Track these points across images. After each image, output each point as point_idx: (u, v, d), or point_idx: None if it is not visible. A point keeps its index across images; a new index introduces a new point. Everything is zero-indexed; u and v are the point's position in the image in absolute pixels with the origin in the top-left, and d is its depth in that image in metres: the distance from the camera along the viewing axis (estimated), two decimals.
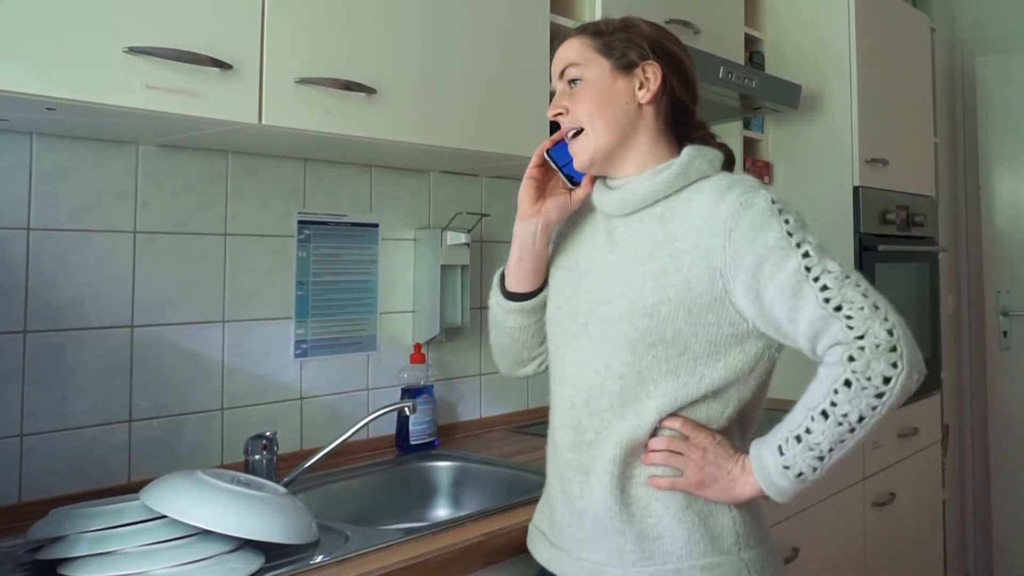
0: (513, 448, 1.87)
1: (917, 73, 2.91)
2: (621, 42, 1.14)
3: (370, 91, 1.43)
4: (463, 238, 1.92)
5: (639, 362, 1.05)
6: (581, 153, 1.14)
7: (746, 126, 2.57)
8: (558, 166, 1.19)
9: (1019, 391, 3.41)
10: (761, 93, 2.16)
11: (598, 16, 1.91)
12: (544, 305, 1.23)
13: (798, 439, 1.00)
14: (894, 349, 0.96)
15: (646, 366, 1.05)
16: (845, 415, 0.97)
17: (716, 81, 1.99)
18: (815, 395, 1.00)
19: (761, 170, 2.58)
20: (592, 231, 1.20)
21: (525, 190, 1.20)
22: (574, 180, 1.19)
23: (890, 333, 0.97)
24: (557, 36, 1.84)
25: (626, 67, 1.13)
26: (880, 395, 0.96)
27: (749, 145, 2.60)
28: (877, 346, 0.96)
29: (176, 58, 1.18)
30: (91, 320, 1.42)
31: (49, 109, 1.16)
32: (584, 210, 1.22)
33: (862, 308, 0.97)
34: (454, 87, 1.60)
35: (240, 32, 1.27)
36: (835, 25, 2.53)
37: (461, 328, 1.98)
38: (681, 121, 1.17)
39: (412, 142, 1.54)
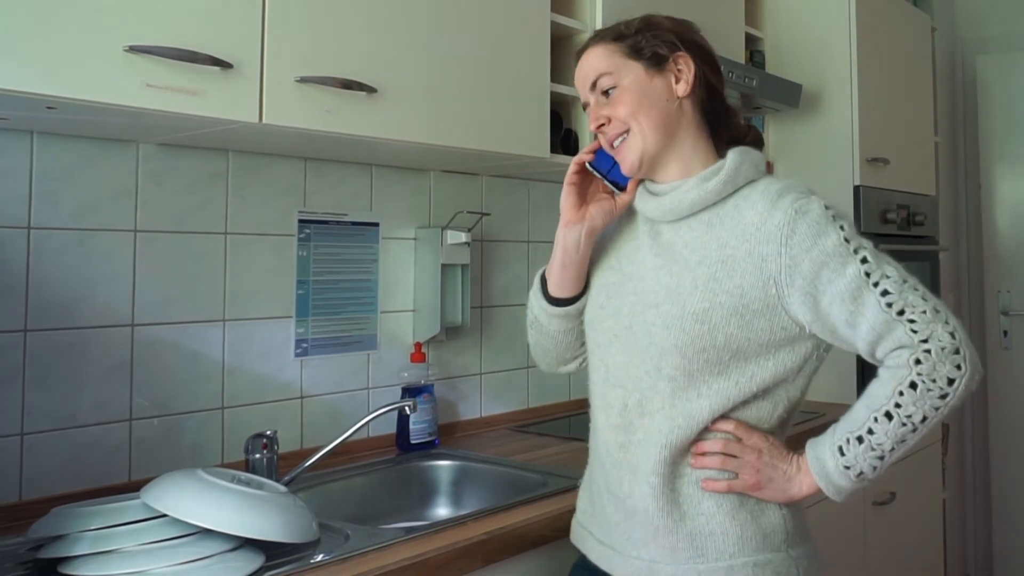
0: (514, 447, 1.87)
1: (918, 72, 2.91)
2: (647, 41, 1.13)
3: (370, 90, 1.43)
4: (463, 237, 1.92)
5: (690, 365, 1.06)
6: (630, 155, 1.12)
7: None
8: (601, 173, 1.18)
9: (1019, 391, 3.41)
10: (761, 92, 2.16)
11: (598, 16, 1.91)
12: (583, 308, 1.23)
13: (860, 440, 1.02)
14: (957, 352, 0.99)
15: (697, 368, 1.06)
16: (909, 416, 1.00)
17: None
18: (878, 396, 1.02)
19: None
20: (633, 233, 1.20)
21: (567, 196, 1.18)
22: (619, 185, 1.18)
23: (952, 336, 1.00)
24: (557, 35, 1.84)
25: (658, 64, 1.13)
26: (944, 396, 1.00)
27: None
28: (943, 349, 0.99)
29: (176, 57, 1.18)
30: (91, 319, 1.42)
31: (49, 108, 1.16)
32: (624, 212, 1.22)
33: (924, 312, 1.00)
34: (455, 86, 1.59)
35: (240, 31, 1.27)
36: (835, 24, 2.53)
37: (461, 327, 1.98)
38: (715, 109, 1.17)
39: (413, 141, 1.53)
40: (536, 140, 1.76)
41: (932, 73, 3.05)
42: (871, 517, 2.42)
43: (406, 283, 1.93)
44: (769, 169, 2.59)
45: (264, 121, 1.30)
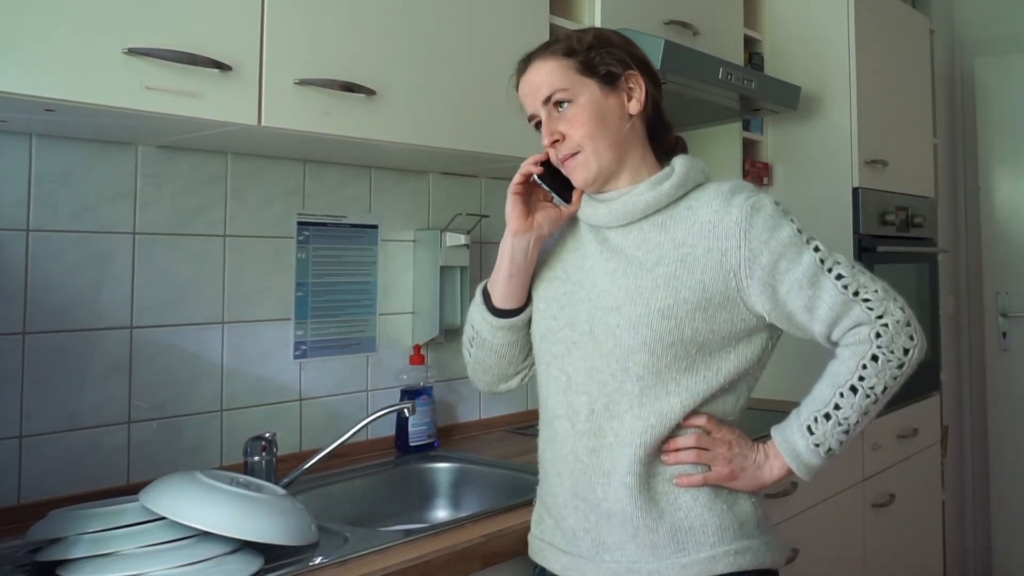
0: (512, 449, 1.86)
1: (916, 74, 2.92)
2: (601, 58, 1.15)
3: (369, 92, 1.43)
4: (462, 239, 1.92)
5: (658, 362, 1.08)
6: (582, 173, 1.15)
7: (745, 127, 2.57)
8: (549, 186, 1.19)
9: (1019, 392, 3.41)
10: (760, 94, 2.16)
11: (597, 17, 1.91)
12: (528, 319, 1.23)
13: (827, 417, 1.08)
14: (909, 324, 1.09)
15: (665, 365, 1.08)
16: (872, 387, 1.07)
17: (715, 82, 1.99)
18: (841, 374, 1.09)
19: (760, 171, 2.58)
20: (577, 243, 1.21)
21: (513, 206, 1.20)
22: (564, 196, 1.20)
23: (903, 311, 1.09)
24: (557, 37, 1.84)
25: (612, 83, 1.15)
26: (900, 366, 1.08)
27: (748, 146, 2.60)
28: (897, 323, 1.08)
29: (175, 59, 1.18)
30: (90, 321, 1.42)
31: (48, 110, 1.16)
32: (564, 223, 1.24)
33: (876, 291, 1.09)
34: (454, 88, 1.60)
35: (239, 33, 1.27)
36: (834, 26, 2.53)
37: (460, 329, 1.98)
38: (658, 123, 1.21)
39: (411, 143, 1.54)
40: (535, 144, 1.75)
41: (931, 75, 3.05)
42: (870, 519, 2.42)
43: (405, 285, 1.93)
44: (767, 172, 2.61)
45: (263, 123, 1.30)
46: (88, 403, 1.41)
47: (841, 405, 1.08)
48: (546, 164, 1.20)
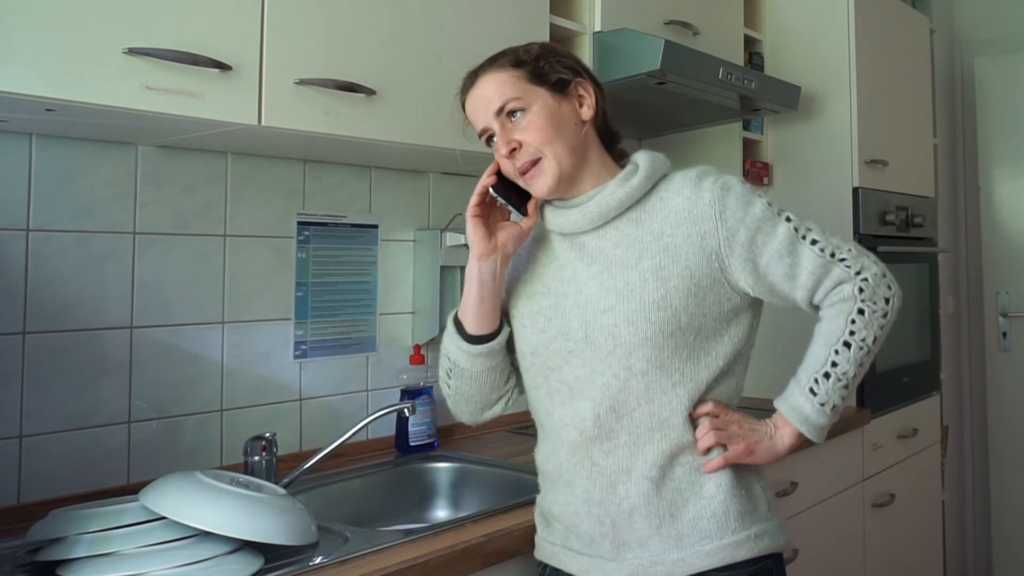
0: (513, 449, 1.86)
1: (916, 74, 2.92)
2: (550, 66, 1.15)
3: (369, 92, 1.43)
4: (462, 239, 1.92)
5: (660, 354, 1.09)
6: (544, 180, 1.14)
7: (745, 127, 2.57)
8: (505, 199, 1.18)
9: (1019, 392, 3.41)
10: (760, 94, 2.16)
11: (597, 18, 1.92)
12: (505, 342, 1.22)
13: (827, 376, 1.12)
14: (884, 275, 1.15)
15: (667, 356, 1.10)
16: (863, 339, 1.12)
17: (715, 82, 1.99)
18: (832, 332, 1.13)
19: (760, 171, 2.58)
20: (550, 255, 1.21)
21: (475, 229, 1.18)
22: (520, 210, 1.20)
23: (876, 264, 1.16)
24: (557, 37, 1.84)
25: (563, 90, 1.16)
26: (885, 315, 1.13)
27: (748, 146, 2.60)
28: (875, 275, 1.14)
29: (175, 59, 1.18)
30: (90, 321, 1.42)
31: (48, 110, 1.16)
32: (528, 238, 1.24)
33: (850, 250, 1.15)
34: (454, 88, 1.59)
35: (240, 33, 1.27)
36: (834, 26, 2.53)
37: None
38: (608, 132, 1.22)
39: (412, 143, 1.54)
40: None
41: (931, 75, 3.05)
42: (870, 519, 2.42)
43: (405, 285, 1.93)
44: (767, 172, 2.61)
45: (263, 123, 1.30)
46: (88, 403, 1.41)
47: (838, 362, 1.12)
48: (499, 178, 1.18)
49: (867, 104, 2.53)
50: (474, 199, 1.18)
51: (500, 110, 1.14)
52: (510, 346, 1.24)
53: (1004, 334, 3.45)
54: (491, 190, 1.18)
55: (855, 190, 2.48)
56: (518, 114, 1.14)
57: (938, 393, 2.96)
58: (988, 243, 3.51)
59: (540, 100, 1.14)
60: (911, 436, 2.69)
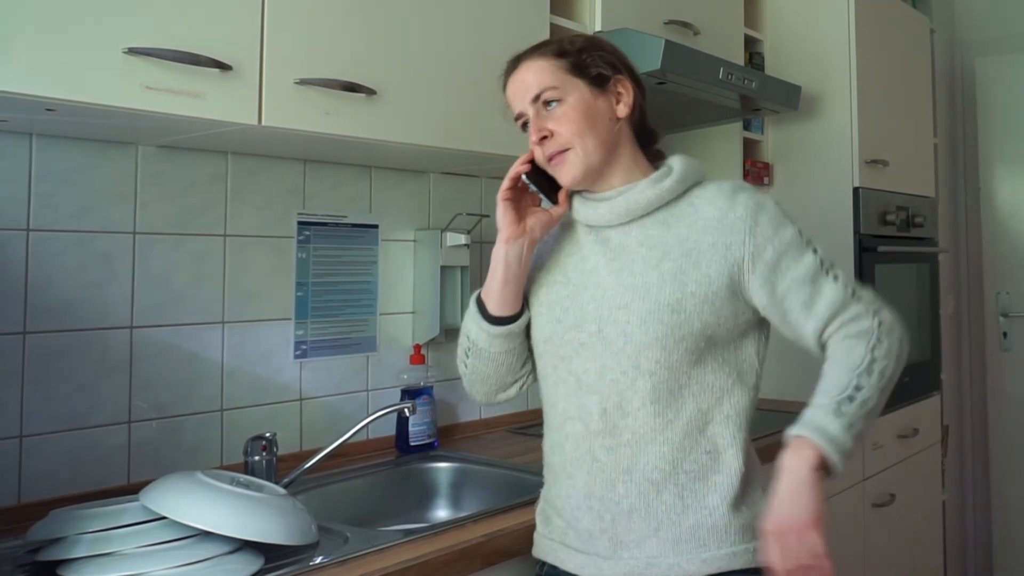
0: (513, 449, 1.86)
1: (917, 74, 2.92)
2: (592, 60, 1.16)
3: (370, 92, 1.43)
4: (463, 239, 1.92)
5: (669, 357, 1.09)
6: (570, 170, 1.15)
7: (746, 127, 2.57)
8: (537, 186, 1.20)
9: (1019, 392, 3.41)
10: (761, 94, 2.16)
11: (598, 18, 1.91)
12: (525, 326, 1.23)
13: (851, 399, 1.07)
14: (898, 322, 1.14)
15: (676, 360, 1.10)
16: (883, 370, 1.10)
17: (716, 82, 1.99)
18: (854, 357, 1.10)
19: (761, 171, 2.58)
20: (574, 246, 1.22)
21: (505, 212, 1.19)
22: (552, 198, 1.21)
23: (889, 312, 1.15)
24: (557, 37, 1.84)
25: (601, 85, 1.16)
26: (899, 356, 1.12)
27: (749, 146, 2.60)
28: (891, 318, 1.13)
29: (176, 59, 1.18)
30: (91, 321, 1.42)
31: (49, 110, 1.16)
32: (555, 226, 1.25)
33: (867, 295, 1.14)
34: (454, 88, 1.60)
35: (240, 33, 1.27)
36: (835, 26, 2.53)
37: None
38: (645, 131, 1.22)
39: (412, 143, 1.54)
40: None
41: (931, 75, 3.05)
42: (871, 519, 2.42)
43: (405, 285, 1.93)
44: (768, 172, 2.61)
45: (263, 123, 1.30)
46: (88, 403, 1.41)
47: (862, 385, 1.08)
48: (532, 165, 1.20)
49: (867, 104, 2.53)
50: (505, 183, 1.19)
51: (536, 97, 1.15)
52: (528, 332, 1.25)
53: (1004, 334, 3.45)
54: (523, 177, 1.20)
55: (855, 190, 2.48)
56: (553, 104, 1.15)
57: (938, 393, 2.96)
58: (988, 243, 3.51)
59: (577, 92, 1.15)
60: (911, 436, 2.69)
